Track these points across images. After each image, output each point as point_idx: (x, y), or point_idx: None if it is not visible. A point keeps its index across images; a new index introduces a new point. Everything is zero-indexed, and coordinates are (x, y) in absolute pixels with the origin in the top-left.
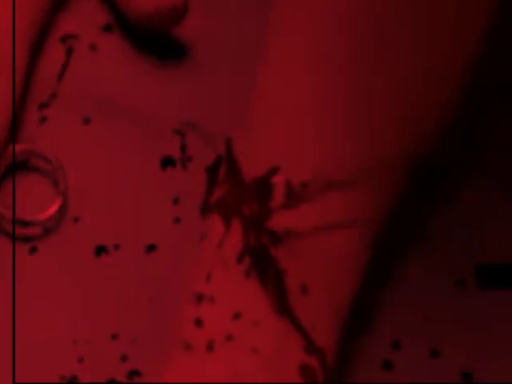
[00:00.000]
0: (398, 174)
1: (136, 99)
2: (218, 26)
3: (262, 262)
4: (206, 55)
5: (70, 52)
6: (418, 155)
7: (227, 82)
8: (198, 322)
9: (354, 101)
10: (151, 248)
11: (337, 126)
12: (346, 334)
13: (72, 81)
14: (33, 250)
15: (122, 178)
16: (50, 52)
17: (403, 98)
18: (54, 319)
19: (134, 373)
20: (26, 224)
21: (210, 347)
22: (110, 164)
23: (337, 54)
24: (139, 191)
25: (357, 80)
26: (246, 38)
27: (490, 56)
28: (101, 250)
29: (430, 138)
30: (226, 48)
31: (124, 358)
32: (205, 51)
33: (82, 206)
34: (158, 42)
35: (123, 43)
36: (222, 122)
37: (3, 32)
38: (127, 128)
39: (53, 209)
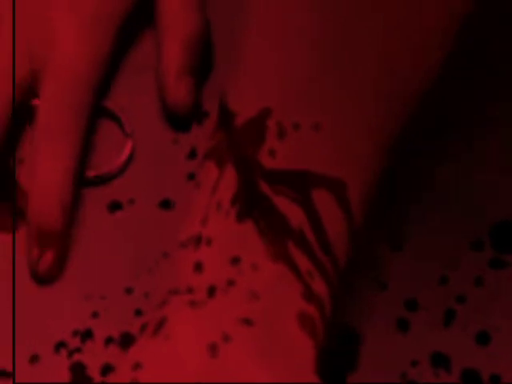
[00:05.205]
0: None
1: None
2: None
3: (258, 205)
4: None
5: None
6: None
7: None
8: (198, 266)
9: (341, 45)
10: (166, 203)
11: (325, 70)
12: (346, 281)
13: None
14: None
15: (137, 133)
16: None
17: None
18: (69, 274)
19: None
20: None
21: (212, 292)
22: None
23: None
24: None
25: (345, 26)
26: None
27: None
28: (116, 206)
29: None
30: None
31: (138, 312)
32: None
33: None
34: None
35: None
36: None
37: None
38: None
39: (124, 154)
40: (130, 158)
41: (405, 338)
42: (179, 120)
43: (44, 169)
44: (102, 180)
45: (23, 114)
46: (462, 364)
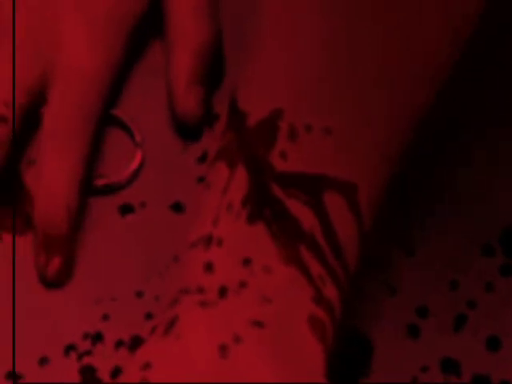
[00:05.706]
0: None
1: None
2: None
3: (269, 208)
4: None
5: None
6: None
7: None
8: (209, 266)
9: (352, 47)
10: (177, 206)
11: (335, 71)
12: (356, 286)
13: None
14: None
15: (147, 140)
16: None
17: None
18: (80, 277)
19: None
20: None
21: (223, 293)
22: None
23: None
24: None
25: (355, 28)
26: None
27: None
28: (127, 209)
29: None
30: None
31: (148, 316)
32: None
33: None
34: None
35: None
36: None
37: None
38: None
39: (134, 164)
40: (140, 168)
41: (415, 343)
42: (189, 129)
43: (50, 173)
44: (112, 189)
45: (33, 119)
46: (472, 369)
